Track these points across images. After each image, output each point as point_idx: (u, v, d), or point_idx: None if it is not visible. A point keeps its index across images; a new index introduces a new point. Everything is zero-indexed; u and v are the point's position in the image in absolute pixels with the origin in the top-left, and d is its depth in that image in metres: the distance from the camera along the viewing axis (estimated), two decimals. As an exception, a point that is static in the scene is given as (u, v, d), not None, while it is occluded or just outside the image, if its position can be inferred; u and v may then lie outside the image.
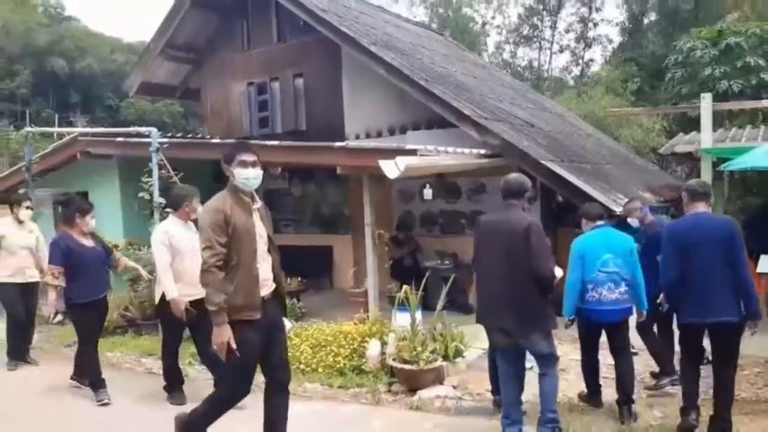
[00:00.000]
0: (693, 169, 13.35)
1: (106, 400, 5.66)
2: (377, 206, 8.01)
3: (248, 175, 3.97)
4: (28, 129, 9.58)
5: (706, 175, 7.71)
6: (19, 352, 6.93)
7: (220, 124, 12.29)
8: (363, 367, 6.15)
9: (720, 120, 10.73)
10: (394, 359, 5.98)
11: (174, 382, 5.71)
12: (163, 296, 5.33)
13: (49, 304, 5.74)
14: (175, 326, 5.52)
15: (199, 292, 4.59)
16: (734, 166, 7.13)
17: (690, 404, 4.67)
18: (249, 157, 3.99)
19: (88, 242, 5.88)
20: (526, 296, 4.30)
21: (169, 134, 9.91)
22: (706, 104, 7.72)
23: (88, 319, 5.76)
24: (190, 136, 12.18)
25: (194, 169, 8.53)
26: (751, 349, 5.45)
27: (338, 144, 7.75)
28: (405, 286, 6.44)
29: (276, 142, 8.45)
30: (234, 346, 3.72)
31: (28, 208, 7.03)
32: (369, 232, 7.72)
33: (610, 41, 31.15)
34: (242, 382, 3.93)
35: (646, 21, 26.99)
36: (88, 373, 5.88)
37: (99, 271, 5.95)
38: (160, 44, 12.13)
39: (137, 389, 6.09)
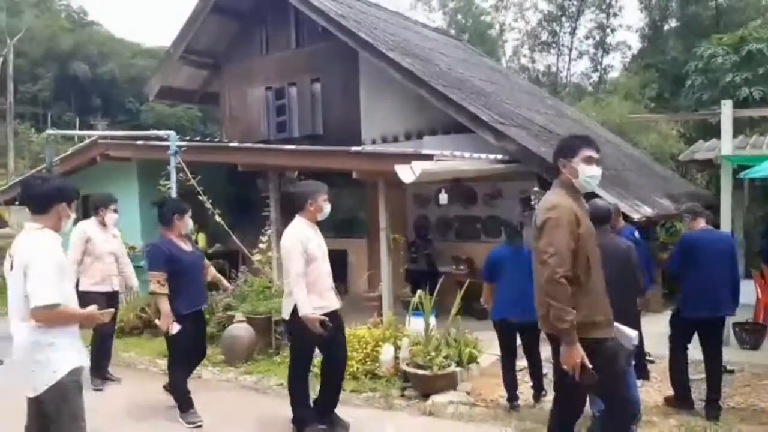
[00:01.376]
0: (713, 177, 13.19)
1: (199, 423, 5.16)
2: (392, 211, 8.01)
3: (593, 173, 3.43)
4: (50, 132, 9.71)
5: (726, 182, 7.60)
6: (100, 370, 6.35)
7: (238, 129, 12.38)
8: (376, 371, 6.15)
9: (741, 127, 10.57)
10: (407, 364, 5.97)
11: (306, 420, 4.88)
12: (294, 311, 4.68)
13: (164, 315, 5.08)
14: (307, 346, 4.89)
15: (332, 304, 4.82)
16: (755, 174, 7.04)
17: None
18: (595, 154, 3.45)
19: (187, 246, 5.38)
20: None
21: (188, 138, 10.01)
22: (726, 111, 7.61)
23: (187, 333, 5.19)
24: (208, 140, 12.31)
25: (212, 173, 8.60)
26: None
27: (354, 148, 7.77)
28: (419, 291, 6.43)
29: (293, 147, 8.50)
30: (589, 365, 3.18)
31: (115, 211, 6.51)
32: (384, 236, 7.71)
33: (629, 47, 30.98)
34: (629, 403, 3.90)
35: (666, 27, 26.77)
36: (175, 391, 5.38)
37: (199, 277, 5.45)
38: (179, 49, 12.26)
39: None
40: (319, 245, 4.89)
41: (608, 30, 31.12)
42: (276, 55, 11.90)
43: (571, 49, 32.13)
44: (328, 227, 11.79)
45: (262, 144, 10.75)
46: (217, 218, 7.89)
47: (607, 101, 19.69)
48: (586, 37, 31.78)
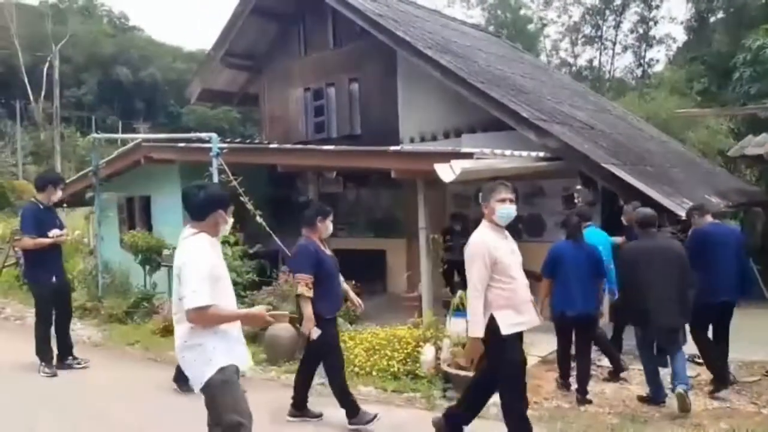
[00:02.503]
0: (762, 173, 12.78)
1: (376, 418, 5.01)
2: (431, 211, 7.95)
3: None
4: (95, 135, 9.95)
5: (778, 178, 7.35)
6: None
7: (277, 130, 12.48)
8: (417, 371, 6.11)
9: (792, 121, 10.24)
10: (448, 365, 5.92)
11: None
12: (491, 329, 4.07)
13: (308, 319, 4.96)
14: (516, 372, 4.21)
15: (532, 319, 4.23)
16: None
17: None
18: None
19: (327, 249, 5.33)
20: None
21: (228, 140, 10.12)
22: (777, 104, 7.38)
23: (332, 336, 5.11)
24: (248, 141, 12.44)
25: (253, 175, 8.67)
26: None
27: (393, 148, 7.72)
28: (460, 291, 6.36)
29: (331, 147, 8.51)
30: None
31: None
32: (423, 236, 7.66)
33: (674, 40, 30.29)
34: None
35: (712, 19, 26.03)
36: (343, 396, 5.12)
37: (338, 282, 5.35)
38: (220, 52, 12.42)
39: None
40: (512, 251, 4.25)
41: (651, 23, 30.44)
42: (314, 56, 11.96)
43: (615, 43, 31.54)
44: (367, 227, 12.01)
45: (301, 145, 10.81)
46: (258, 219, 7.94)
47: (652, 96, 19.23)
48: (631, 31, 31.15)
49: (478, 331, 4.04)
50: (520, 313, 4.12)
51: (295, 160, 8.85)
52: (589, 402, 5.59)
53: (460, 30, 14.73)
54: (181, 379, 5.72)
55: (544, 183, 9.38)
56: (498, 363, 4.17)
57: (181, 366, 3.50)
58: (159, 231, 10.23)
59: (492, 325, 4.04)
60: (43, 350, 6.79)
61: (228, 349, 3.44)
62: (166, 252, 9.81)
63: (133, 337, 8.11)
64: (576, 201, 7.98)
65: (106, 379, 6.63)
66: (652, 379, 5.50)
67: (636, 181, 7.56)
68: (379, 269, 11.35)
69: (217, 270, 3.43)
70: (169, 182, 10.54)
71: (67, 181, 12.48)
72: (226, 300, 3.48)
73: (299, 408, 5.29)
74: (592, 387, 6.12)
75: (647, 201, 7.33)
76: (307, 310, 4.95)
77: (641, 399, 5.58)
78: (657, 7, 29.89)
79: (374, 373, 6.19)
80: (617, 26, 31.23)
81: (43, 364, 6.73)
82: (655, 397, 5.47)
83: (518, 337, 4.18)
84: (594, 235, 6.43)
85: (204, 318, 3.28)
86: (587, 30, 31.83)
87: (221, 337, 3.41)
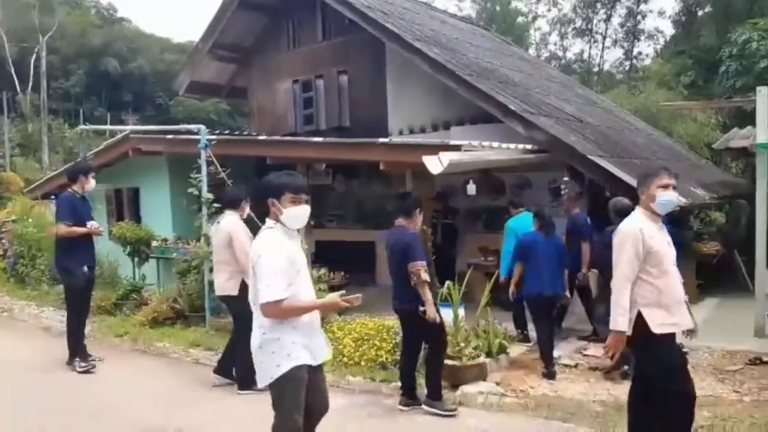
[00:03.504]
0: (748, 165, 12.90)
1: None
2: (420, 202, 7.96)
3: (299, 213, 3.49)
4: (82, 127, 9.92)
5: (762, 171, 7.43)
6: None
7: (266, 122, 12.46)
8: (406, 361, 6.15)
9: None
10: (436, 354, 5.96)
11: None
12: (639, 325, 3.67)
13: (429, 303, 5.09)
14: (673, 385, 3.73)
15: (685, 322, 3.84)
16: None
17: None
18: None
19: None
20: None
21: (217, 132, 10.10)
22: (762, 98, 7.43)
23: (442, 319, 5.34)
24: (237, 133, 12.42)
25: (241, 166, 8.67)
26: None
27: (381, 140, 7.75)
28: (448, 282, 6.41)
29: (320, 139, 8.52)
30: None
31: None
32: (412, 227, 7.68)
33: (661, 32, 30.43)
34: None
35: (700, 13, 26.17)
36: (434, 381, 5.31)
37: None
38: (208, 44, 12.37)
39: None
40: (669, 243, 3.82)
41: (640, 17, 30.55)
42: (303, 48, 11.93)
43: (605, 37, 31.63)
44: (356, 219, 12.02)
45: (290, 137, 10.80)
46: (247, 210, 7.93)
47: (640, 89, 19.34)
48: (621, 25, 31.25)
49: (622, 324, 3.65)
50: (671, 313, 3.71)
51: (284, 151, 8.86)
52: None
53: (449, 22, 14.73)
54: (224, 372, 5.86)
55: (531, 175, 9.44)
56: (654, 371, 3.74)
57: (255, 358, 3.42)
58: (147, 222, 10.22)
59: (640, 322, 3.66)
60: (77, 344, 6.68)
61: (306, 345, 3.40)
62: (154, 243, 9.82)
63: (121, 329, 8.11)
64: (563, 193, 8.04)
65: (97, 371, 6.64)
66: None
67: (623, 173, 7.63)
68: (369, 260, 11.37)
69: (294, 262, 3.37)
70: (157, 174, 10.53)
71: (55, 172, 12.50)
72: (304, 292, 3.43)
73: (412, 396, 5.37)
74: (578, 376, 6.21)
75: (634, 193, 7.41)
76: (428, 294, 5.09)
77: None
78: (646, 0, 30.00)
79: (363, 363, 6.23)
80: (608, 19, 31.32)
81: (77, 359, 6.58)
82: None
83: (672, 338, 3.77)
84: (526, 220, 7.15)
85: (278, 311, 3.26)
86: (578, 23, 31.90)
87: (300, 331, 3.37)
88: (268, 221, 3.44)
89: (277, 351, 3.31)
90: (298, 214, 3.43)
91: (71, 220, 6.52)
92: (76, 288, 6.70)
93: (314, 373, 3.47)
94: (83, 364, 6.54)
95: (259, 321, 3.37)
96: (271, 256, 3.27)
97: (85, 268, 6.67)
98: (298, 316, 3.36)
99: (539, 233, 6.48)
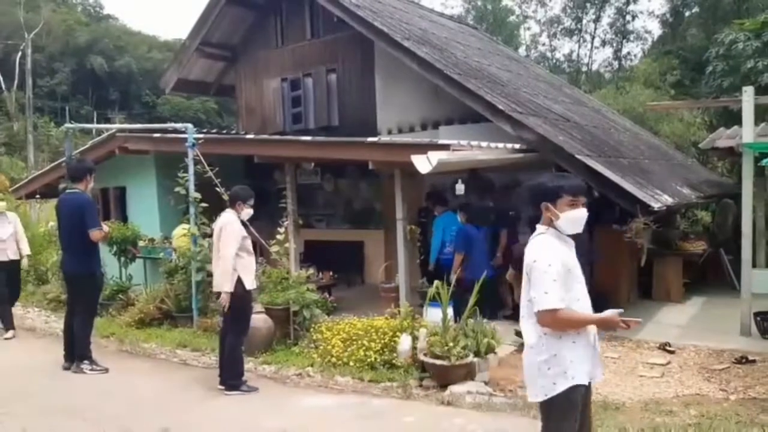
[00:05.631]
0: (734, 165, 13.00)
1: None
2: (409, 202, 7.98)
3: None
4: (68, 125, 9.78)
5: (747, 170, 7.49)
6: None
7: (254, 120, 12.40)
8: (394, 361, 6.15)
9: (762, 114, 10.38)
10: (425, 354, 5.96)
11: None
12: None
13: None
14: None
15: None
16: (777, 161, 6.94)
17: None
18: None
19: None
20: None
21: (204, 130, 10.03)
22: (748, 98, 7.49)
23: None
24: (224, 132, 12.35)
25: (229, 165, 8.62)
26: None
27: (370, 139, 7.73)
28: (436, 281, 6.41)
29: (308, 138, 8.49)
30: None
31: (251, 207, 6.23)
32: (401, 227, 7.69)
33: (649, 32, 30.58)
34: None
35: (687, 13, 26.34)
36: None
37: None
38: (195, 41, 12.28)
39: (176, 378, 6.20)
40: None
41: (628, 16, 30.69)
42: (291, 47, 11.89)
43: (593, 37, 31.73)
44: (345, 218, 12.02)
45: (278, 135, 10.76)
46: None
47: (627, 89, 19.43)
48: (610, 26, 31.34)
49: None
50: None
51: (272, 150, 8.81)
52: None
53: (438, 22, 14.73)
54: (225, 378, 5.80)
55: (519, 175, 9.45)
56: None
57: (528, 372, 3.16)
58: (134, 222, 10.14)
59: None
60: (89, 348, 6.61)
61: (583, 362, 3.14)
62: (141, 243, 9.75)
63: (108, 330, 8.05)
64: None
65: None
66: None
67: (610, 172, 7.67)
68: (357, 260, 11.39)
69: (570, 270, 3.14)
70: (144, 173, 10.45)
71: (40, 172, 12.37)
72: (580, 302, 3.17)
73: None
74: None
75: (621, 192, 7.45)
76: None
77: None
78: (635, 1, 30.13)
79: (351, 363, 6.21)
80: (597, 19, 31.43)
81: (86, 361, 6.51)
82: None
83: None
84: (449, 218, 8.11)
85: (554, 321, 3.02)
86: (567, 22, 31.98)
87: (580, 347, 3.12)
88: (540, 227, 3.22)
89: (553, 368, 3.06)
90: (576, 217, 3.17)
91: (99, 224, 6.54)
92: (98, 290, 6.85)
93: (587, 392, 3.25)
94: (97, 368, 6.51)
95: (534, 334, 3.12)
96: (548, 262, 3.05)
97: (101, 269, 6.81)
98: (574, 328, 3.10)
99: (471, 226, 7.64)
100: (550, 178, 3.29)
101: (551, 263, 3.05)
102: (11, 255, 8.27)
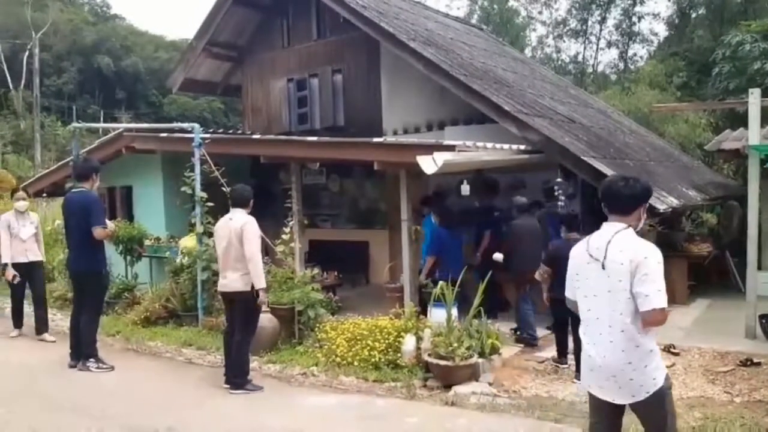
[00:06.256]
0: (740, 167, 12.97)
1: None
2: (414, 202, 8.00)
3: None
4: (75, 125, 9.83)
5: (754, 172, 7.47)
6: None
7: (260, 120, 12.44)
8: (398, 361, 6.16)
9: (769, 116, 10.38)
10: (429, 354, 5.98)
11: None
12: None
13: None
14: None
15: None
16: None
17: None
18: None
19: None
20: None
21: (211, 130, 10.07)
22: (754, 99, 7.47)
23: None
24: (231, 132, 12.39)
25: (235, 165, 8.65)
26: None
27: (376, 139, 7.75)
28: (441, 282, 6.42)
29: (314, 138, 8.51)
30: None
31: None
32: (405, 227, 7.71)
33: (655, 34, 30.48)
34: None
35: (693, 15, 26.27)
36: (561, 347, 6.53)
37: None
38: (202, 42, 12.33)
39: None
40: None
41: (635, 18, 30.61)
42: (297, 47, 11.92)
43: (599, 38, 31.66)
44: (350, 219, 12.04)
45: (284, 136, 10.79)
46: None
47: (633, 90, 19.39)
48: (616, 27, 31.26)
49: None
50: None
51: (278, 150, 8.84)
52: None
53: (443, 22, 14.74)
54: (231, 377, 5.81)
55: (525, 176, 9.45)
56: None
57: (622, 374, 3.06)
58: (140, 221, 10.18)
59: None
60: (95, 346, 6.63)
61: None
62: (147, 242, 9.79)
63: (114, 328, 8.08)
64: (556, 193, 8.07)
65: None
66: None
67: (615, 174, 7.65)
68: (362, 260, 11.40)
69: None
70: (150, 172, 10.49)
71: (47, 170, 12.43)
72: None
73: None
74: (570, 376, 6.21)
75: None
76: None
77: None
78: (642, 2, 30.05)
79: (356, 363, 6.22)
80: (602, 21, 31.35)
81: (92, 359, 6.52)
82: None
83: None
84: (429, 221, 8.22)
85: (664, 319, 3.04)
86: (573, 24, 31.92)
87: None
88: (616, 225, 3.21)
89: (650, 364, 3.07)
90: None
91: (104, 222, 6.56)
92: (104, 288, 6.91)
93: None
94: (103, 366, 6.53)
95: (628, 333, 3.05)
96: (658, 259, 3.04)
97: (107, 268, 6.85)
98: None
99: (444, 229, 7.81)
100: (646, 181, 3.36)
101: (660, 261, 3.05)
102: (32, 257, 8.02)
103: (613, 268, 3.08)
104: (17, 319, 8.25)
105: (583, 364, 3.26)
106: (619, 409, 3.21)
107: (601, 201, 3.31)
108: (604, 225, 3.26)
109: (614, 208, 3.26)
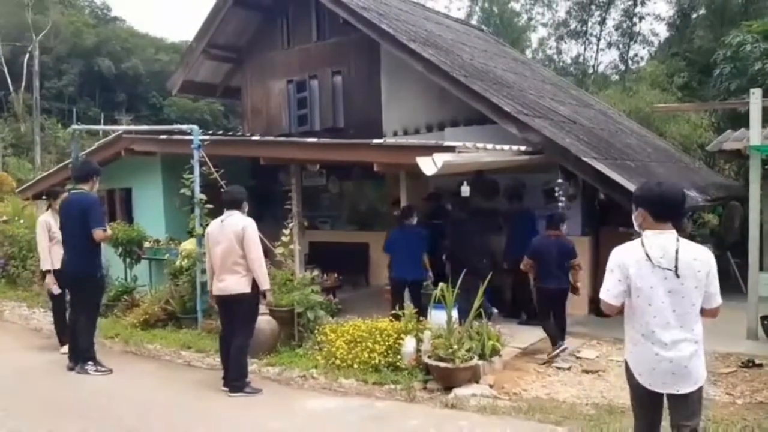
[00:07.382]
0: (741, 167, 12.94)
1: None
2: (414, 203, 7.97)
3: None
4: (75, 127, 9.79)
5: (755, 173, 7.44)
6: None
7: (259, 122, 12.42)
8: (398, 363, 6.13)
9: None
10: (429, 357, 5.95)
11: None
12: None
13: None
14: None
15: None
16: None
17: None
18: None
19: None
20: None
21: (210, 132, 10.05)
22: (755, 100, 7.44)
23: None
24: (230, 133, 12.37)
25: (234, 167, 8.63)
26: None
27: (375, 141, 7.72)
28: (441, 284, 6.40)
29: (314, 140, 8.49)
30: None
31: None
32: (406, 228, 7.67)
33: (656, 34, 30.47)
34: None
35: (694, 16, 26.24)
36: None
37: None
38: (202, 44, 12.31)
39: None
40: None
41: (635, 19, 30.60)
42: (297, 48, 11.90)
43: (599, 39, 31.64)
44: (350, 220, 12.01)
45: (284, 137, 10.77)
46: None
47: (634, 90, 19.37)
48: (616, 28, 31.25)
49: None
50: None
51: (278, 152, 8.81)
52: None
53: (443, 23, 14.73)
54: (230, 380, 5.78)
55: (525, 177, 9.43)
56: None
57: (692, 360, 3.31)
58: (140, 223, 10.16)
59: None
60: (93, 349, 6.56)
61: None
62: (146, 244, 9.76)
63: (112, 331, 8.06)
64: (557, 195, 8.04)
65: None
66: None
67: (617, 175, 7.63)
68: (362, 262, 11.37)
69: None
70: (150, 174, 10.47)
71: (47, 172, 12.41)
72: None
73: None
74: (571, 378, 6.19)
75: (627, 195, 7.41)
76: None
77: None
78: (642, 3, 30.04)
79: (355, 365, 6.19)
80: (602, 22, 31.34)
81: (91, 362, 6.46)
82: None
83: None
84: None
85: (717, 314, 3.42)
86: (573, 25, 31.90)
87: None
88: (671, 233, 3.38)
89: (702, 357, 3.38)
90: None
91: (103, 224, 6.51)
92: (101, 291, 6.84)
93: None
94: (102, 369, 6.48)
95: (696, 330, 3.34)
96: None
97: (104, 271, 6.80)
98: None
99: (398, 230, 7.88)
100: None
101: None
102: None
103: (689, 274, 3.28)
104: (62, 334, 7.25)
105: (644, 364, 3.34)
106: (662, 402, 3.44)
107: (646, 207, 3.35)
108: (653, 233, 3.34)
109: (669, 216, 3.38)
